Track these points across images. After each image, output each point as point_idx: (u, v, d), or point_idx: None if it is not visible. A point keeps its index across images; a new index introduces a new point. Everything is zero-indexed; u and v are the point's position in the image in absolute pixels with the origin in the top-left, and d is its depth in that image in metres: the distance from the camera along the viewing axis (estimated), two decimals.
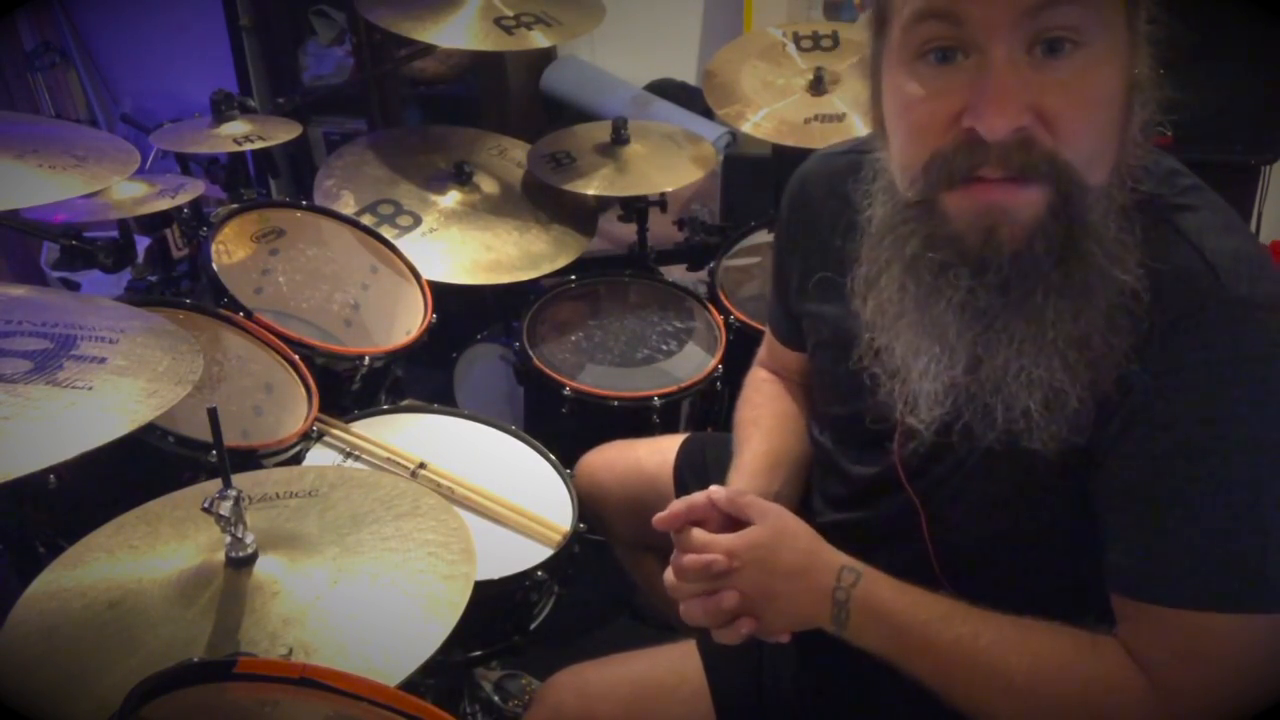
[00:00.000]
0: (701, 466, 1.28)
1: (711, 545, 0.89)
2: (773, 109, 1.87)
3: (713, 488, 0.93)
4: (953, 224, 0.75)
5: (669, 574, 0.91)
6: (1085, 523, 0.82)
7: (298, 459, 1.33)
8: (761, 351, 1.23)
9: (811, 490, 1.07)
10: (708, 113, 2.51)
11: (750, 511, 0.90)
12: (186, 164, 1.93)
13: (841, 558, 0.87)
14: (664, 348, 1.77)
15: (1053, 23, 0.69)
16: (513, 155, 2.09)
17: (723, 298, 1.83)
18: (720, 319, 1.80)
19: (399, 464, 1.35)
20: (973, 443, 0.81)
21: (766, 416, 1.11)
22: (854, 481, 0.99)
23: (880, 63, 0.80)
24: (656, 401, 1.62)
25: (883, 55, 0.79)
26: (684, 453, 1.31)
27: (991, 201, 0.72)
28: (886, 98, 0.79)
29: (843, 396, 0.94)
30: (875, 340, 0.86)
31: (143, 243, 1.77)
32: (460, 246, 1.84)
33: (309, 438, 1.36)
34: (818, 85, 1.89)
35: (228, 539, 0.88)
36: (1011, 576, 0.88)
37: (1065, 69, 0.70)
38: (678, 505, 0.91)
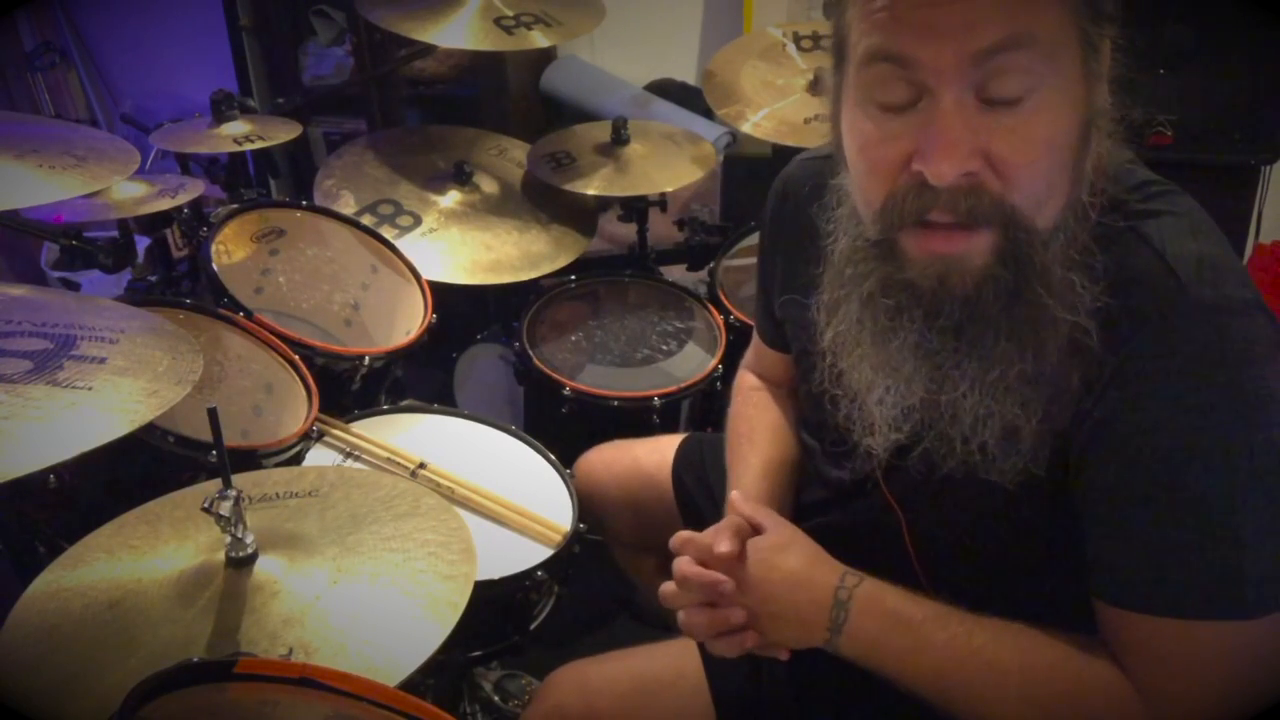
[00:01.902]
0: (700, 467, 1.28)
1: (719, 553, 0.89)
2: (773, 109, 1.87)
3: (733, 495, 0.97)
4: (908, 269, 0.76)
5: (667, 584, 0.92)
6: (1057, 541, 0.83)
7: (298, 459, 1.33)
8: (748, 355, 1.23)
9: (799, 491, 1.08)
10: (708, 113, 2.50)
11: (761, 518, 0.93)
12: (186, 164, 1.92)
13: (845, 567, 0.89)
14: (664, 348, 1.77)
15: (1002, 67, 0.69)
16: (513, 155, 2.09)
17: (723, 298, 1.83)
18: (720, 319, 1.80)
19: (399, 464, 1.35)
20: (933, 468, 0.83)
21: (760, 430, 1.11)
22: (837, 484, 0.99)
23: (840, 93, 0.80)
24: (656, 401, 1.62)
25: (842, 87, 0.79)
26: (682, 453, 1.31)
27: (942, 250, 0.73)
28: (845, 131, 0.80)
29: (818, 403, 0.95)
30: (836, 364, 0.87)
31: (143, 243, 1.76)
32: (460, 246, 1.84)
33: (309, 438, 1.36)
34: (818, 85, 1.88)
35: (228, 539, 0.88)
36: (994, 584, 0.88)
37: (1014, 114, 0.70)
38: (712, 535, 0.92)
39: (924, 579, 0.90)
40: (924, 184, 0.71)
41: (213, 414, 0.86)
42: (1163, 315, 0.73)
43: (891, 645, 0.84)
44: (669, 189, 1.93)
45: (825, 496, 1.02)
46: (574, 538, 1.27)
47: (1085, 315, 0.74)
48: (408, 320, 1.63)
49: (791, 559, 0.89)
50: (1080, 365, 0.75)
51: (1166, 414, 0.72)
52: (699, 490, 1.26)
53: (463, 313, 1.89)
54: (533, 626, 1.29)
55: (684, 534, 0.92)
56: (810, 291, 0.91)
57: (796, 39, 2.02)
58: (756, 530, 0.92)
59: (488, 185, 1.99)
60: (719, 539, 0.89)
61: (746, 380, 1.20)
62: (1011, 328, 0.74)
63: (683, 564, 0.91)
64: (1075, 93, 0.72)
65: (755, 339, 1.20)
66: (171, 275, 1.78)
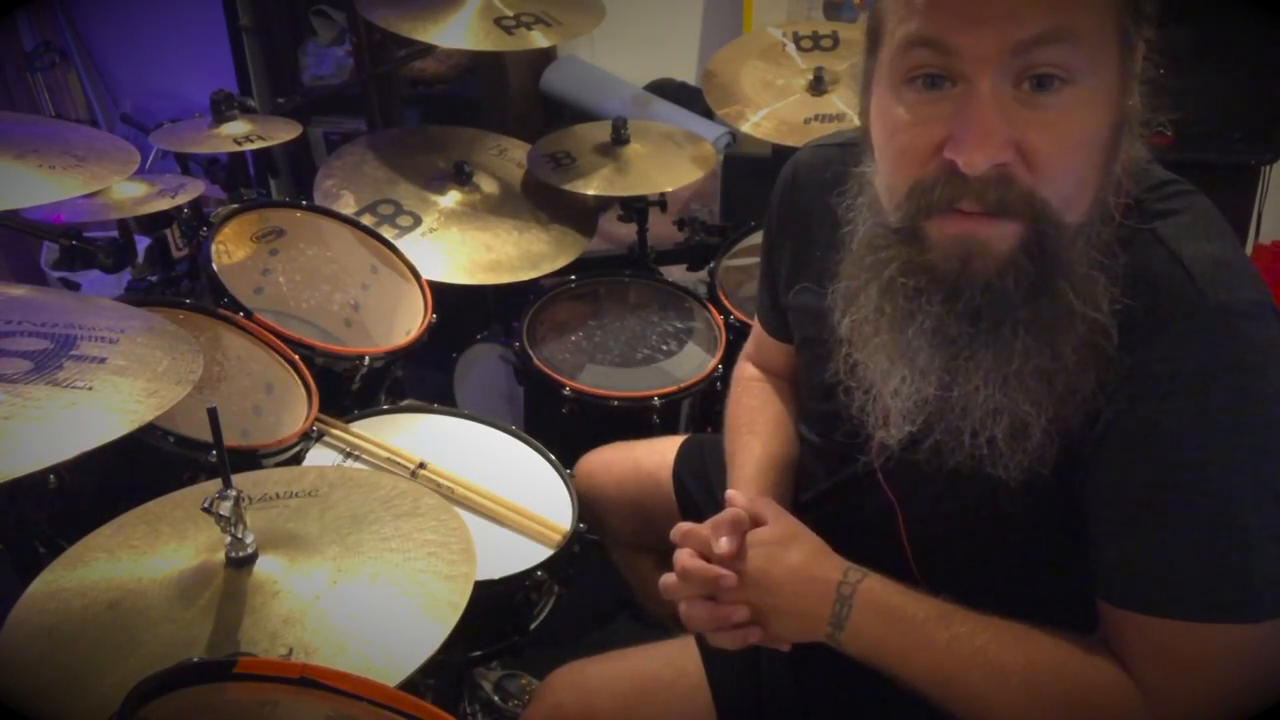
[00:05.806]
0: (700, 468, 1.28)
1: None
2: (773, 109, 1.87)
3: (730, 492, 0.96)
4: (930, 251, 0.75)
5: (668, 575, 0.91)
6: (1054, 543, 0.82)
7: (298, 459, 1.33)
8: (749, 345, 1.22)
9: (796, 486, 1.08)
10: (708, 113, 2.51)
11: (761, 510, 0.92)
12: (186, 164, 1.93)
13: (849, 563, 0.88)
14: (664, 348, 1.77)
15: (1042, 59, 0.69)
16: (513, 155, 2.09)
17: (723, 298, 1.84)
18: (720, 319, 1.80)
19: (399, 464, 1.35)
20: (941, 461, 0.82)
21: (761, 423, 1.11)
22: (836, 477, 0.99)
23: (871, 80, 0.80)
24: (656, 401, 1.62)
25: (874, 73, 0.79)
26: (683, 455, 1.31)
27: (968, 232, 0.73)
28: (874, 117, 0.79)
29: (824, 395, 0.95)
30: (851, 354, 0.86)
31: (143, 243, 1.77)
32: (460, 246, 1.85)
33: (309, 438, 1.36)
34: (818, 85, 1.89)
35: (228, 539, 0.88)
36: (988, 582, 0.88)
37: (1051, 107, 0.70)
38: (711, 524, 0.92)
39: (919, 575, 0.90)
40: (954, 172, 0.71)
41: (213, 414, 0.86)
42: (1177, 317, 0.72)
43: (893, 642, 0.84)
44: (669, 189, 1.93)
45: (822, 491, 1.02)
46: (574, 538, 1.27)
47: (1105, 315, 0.73)
48: (408, 320, 1.63)
49: (795, 553, 0.89)
50: (1096, 366, 0.74)
51: (1177, 416, 0.72)
52: (700, 492, 1.26)
53: (463, 313, 1.89)
54: (533, 626, 1.29)
55: (684, 526, 0.92)
56: (824, 280, 0.90)
57: (796, 39, 2.02)
58: (757, 522, 0.92)
59: (488, 185, 1.99)
60: (718, 535, 0.89)
61: (746, 370, 1.20)
62: (1031, 321, 0.74)
63: (684, 557, 0.90)
64: (1111, 91, 0.72)
65: (756, 329, 1.19)
66: (171, 275, 1.78)
